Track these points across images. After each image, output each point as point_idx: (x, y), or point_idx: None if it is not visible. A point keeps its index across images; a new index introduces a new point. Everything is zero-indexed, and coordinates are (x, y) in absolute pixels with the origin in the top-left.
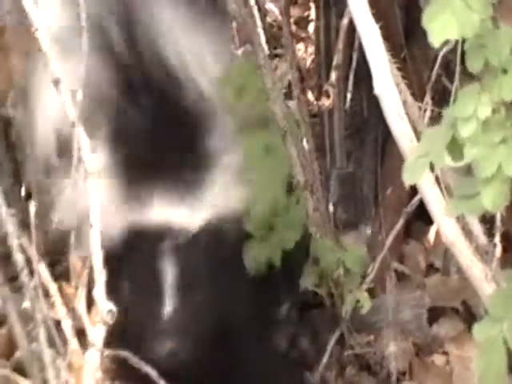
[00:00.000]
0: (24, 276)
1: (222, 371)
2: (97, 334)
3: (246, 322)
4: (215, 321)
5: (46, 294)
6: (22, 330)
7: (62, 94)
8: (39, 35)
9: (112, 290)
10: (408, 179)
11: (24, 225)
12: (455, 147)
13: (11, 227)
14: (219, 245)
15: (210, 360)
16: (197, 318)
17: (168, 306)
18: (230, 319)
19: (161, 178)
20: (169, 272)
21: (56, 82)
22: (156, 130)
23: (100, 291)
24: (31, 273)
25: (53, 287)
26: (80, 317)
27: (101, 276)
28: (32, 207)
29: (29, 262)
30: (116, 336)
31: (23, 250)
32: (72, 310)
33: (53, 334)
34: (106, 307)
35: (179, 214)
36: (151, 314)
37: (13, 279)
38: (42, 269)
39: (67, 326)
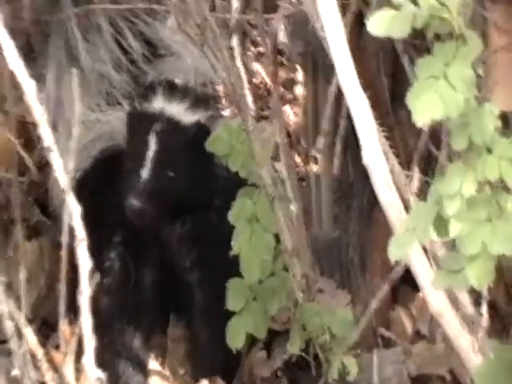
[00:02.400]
0: (13, 343)
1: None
2: None
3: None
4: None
5: (35, 360)
6: None
7: (54, 162)
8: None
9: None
10: (395, 254)
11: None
12: (441, 223)
13: (1, 294)
14: (202, 142)
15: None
16: (165, 186)
17: (146, 172)
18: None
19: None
20: (153, 149)
21: (48, 150)
22: None
23: (89, 359)
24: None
25: (40, 352)
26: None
27: (90, 343)
28: (22, 273)
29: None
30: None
31: (12, 317)
32: (61, 377)
33: None
34: (95, 375)
35: (178, 107)
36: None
37: (2, 342)
38: (30, 335)
39: None
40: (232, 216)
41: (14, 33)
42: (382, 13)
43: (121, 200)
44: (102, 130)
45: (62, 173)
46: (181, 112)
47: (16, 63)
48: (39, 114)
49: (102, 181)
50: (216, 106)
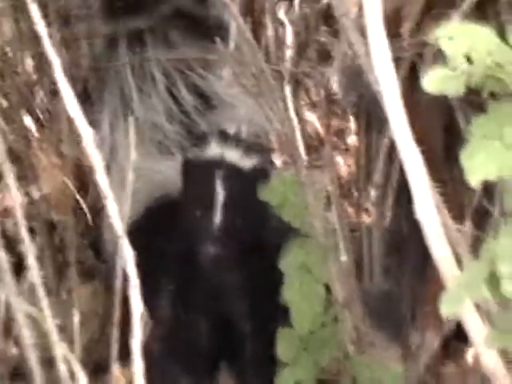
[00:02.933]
0: None
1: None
2: None
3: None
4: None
5: None
6: None
7: (109, 208)
8: (89, 149)
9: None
10: (446, 309)
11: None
12: (494, 282)
13: (55, 336)
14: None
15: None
16: (237, 231)
17: (218, 218)
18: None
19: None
20: (220, 194)
21: (104, 197)
22: None
23: None
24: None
25: None
26: None
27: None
28: (76, 316)
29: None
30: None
31: (66, 361)
32: None
33: None
34: None
35: (234, 153)
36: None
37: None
38: (82, 379)
39: None
40: (283, 265)
41: (72, 79)
42: (436, 71)
43: (175, 249)
44: (153, 177)
45: (117, 218)
46: (238, 158)
47: (74, 109)
48: (96, 161)
49: (154, 230)
50: (268, 155)
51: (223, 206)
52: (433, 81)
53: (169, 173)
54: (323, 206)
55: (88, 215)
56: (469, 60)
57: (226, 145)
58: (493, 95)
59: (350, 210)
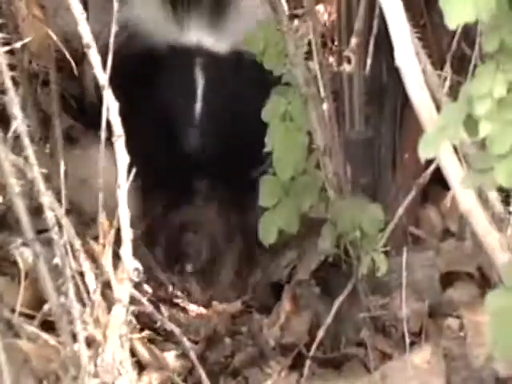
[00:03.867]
0: (54, 233)
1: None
2: (123, 290)
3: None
4: (230, 119)
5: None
6: (52, 285)
7: (92, 59)
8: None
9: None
10: (425, 153)
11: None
12: (471, 123)
13: (42, 186)
14: (240, 69)
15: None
16: (217, 115)
17: (198, 105)
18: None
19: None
20: (199, 81)
21: (87, 47)
22: None
23: (127, 250)
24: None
25: (77, 242)
26: (107, 274)
27: (127, 235)
28: (62, 165)
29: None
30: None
31: (52, 208)
32: (99, 267)
33: (81, 290)
34: (132, 266)
35: (210, 39)
36: (188, 109)
37: (41, 232)
38: (68, 226)
39: (91, 280)
40: (266, 114)
41: None
42: None
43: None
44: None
45: (100, 69)
46: (215, 43)
47: None
48: (79, 13)
49: (139, 76)
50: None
51: (203, 94)
52: None
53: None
54: (304, 54)
55: (73, 66)
56: None
57: (202, 29)
58: None
59: (331, 58)
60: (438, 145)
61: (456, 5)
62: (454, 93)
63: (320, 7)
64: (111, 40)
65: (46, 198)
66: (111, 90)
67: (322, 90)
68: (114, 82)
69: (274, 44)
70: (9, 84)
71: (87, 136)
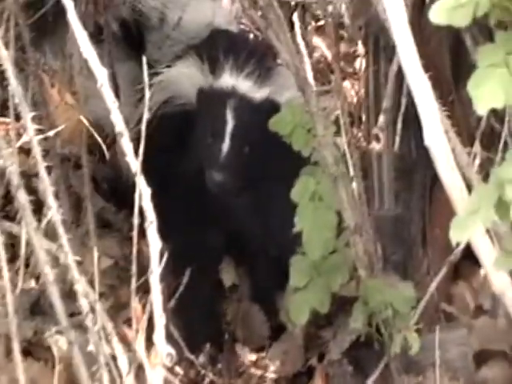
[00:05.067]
0: (88, 321)
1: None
2: (156, 375)
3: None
4: (254, 169)
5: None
6: (86, 372)
7: (124, 147)
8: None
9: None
10: (456, 236)
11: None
12: (502, 207)
13: (75, 273)
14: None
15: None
16: (244, 158)
17: (225, 146)
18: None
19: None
20: (230, 123)
21: (119, 135)
22: None
23: (160, 335)
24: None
25: (110, 327)
26: (140, 359)
27: (160, 321)
28: (95, 250)
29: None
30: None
31: (87, 295)
32: (133, 352)
33: (114, 375)
34: (165, 350)
35: (245, 84)
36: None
37: (75, 314)
38: (101, 311)
39: (124, 364)
40: (295, 194)
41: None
42: (443, 2)
43: (192, 165)
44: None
45: (132, 156)
46: (250, 88)
47: (88, 49)
48: (111, 102)
49: (166, 139)
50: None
51: (232, 136)
52: (440, 12)
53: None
54: (333, 132)
55: (104, 151)
56: None
57: (239, 72)
58: (500, 24)
59: (360, 136)
60: (470, 229)
61: (484, 90)
62: (484, 169)
63: (347, 84)
64: (143, 127)
65: (80, 286)
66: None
67: (351, 168)
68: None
69: (303, 125)
70: (43, 174)
71: (118, 218)
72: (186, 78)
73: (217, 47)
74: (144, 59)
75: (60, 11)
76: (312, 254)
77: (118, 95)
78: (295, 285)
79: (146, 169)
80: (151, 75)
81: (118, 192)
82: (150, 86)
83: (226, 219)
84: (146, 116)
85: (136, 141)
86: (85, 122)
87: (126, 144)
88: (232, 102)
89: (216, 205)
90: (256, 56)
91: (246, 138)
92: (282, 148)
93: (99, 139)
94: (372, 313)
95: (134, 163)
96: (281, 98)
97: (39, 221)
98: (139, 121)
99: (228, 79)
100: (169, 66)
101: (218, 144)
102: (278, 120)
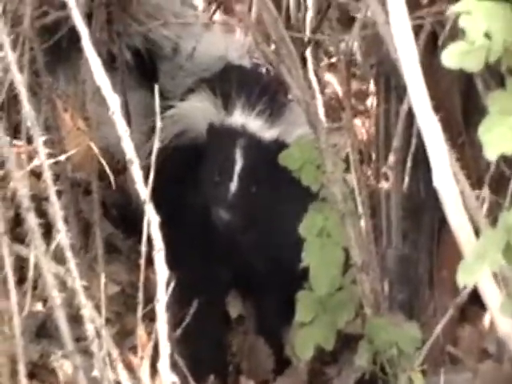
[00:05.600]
0: (94, 346)
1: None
2: None
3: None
4: (261, 208)
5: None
6: None
7: (134, 174)
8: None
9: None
10: (464, 280)
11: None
12: (510, 251)
13: (82, 298)
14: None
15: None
16: (251, 197)
17: (234, 186)
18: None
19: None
20: (239, 162)
21: (129, 162)
22: None
23: (164, 363)
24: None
25: (115, 353)
26: None
27: (165, 349)
28: (102, 276)
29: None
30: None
31: (93, 320)
32: (138, 380)
33: None
34: (169, 379)
35: (256, 123)
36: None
37: (79, 339)
38: (107, 337)
39: None
40: (302, 230)
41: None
42: (455, 46)
43: (200, 199)
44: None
45: (142, 184)
46: (260, 128)
47: (101, 76)
48: (122, 127)
49: (176, 173)
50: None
51: (240, 175)
52: (452, 56)
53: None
54: (342, 170)
55: (111, 177)
56: (487, 35)
57: (249, 113)
58: (511, 70)
59: (369, 174)
60: (477, 272)
61: (495, 136)
62: (492, 213)
63: (358, 121)
64: (153, 156)
65: (86, 311)
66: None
67: (359, 206)
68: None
69: (311, 161)
70: (54, 198)
71: (126, 244)
72: (199, 112)
73: (230, 83)
74: (156, 88)
75: (74, 37)
76: (318, 290)
77: (129, 123)
78: (301, 320)
79: (156, 199)
80: (163, 105)
81: (127, 219)
82: (163, 117)
83: (233, 254)
84: (156, 145)
85: (146, 169)
86: (95, 148)
87: (136, 171)
88: (241, 141)
89: (223, 240)
90: (268, 93)
91: (253, 177)
92: (288, 187)
93: (108, 166)
94: (377, 351)
95: (144, 191)
96: (290, 138)
97: (48, 244)
98: (150, 151)
99: (238, 117)
100: (182, 99)
101: (225, 182)
102: (287, 155)
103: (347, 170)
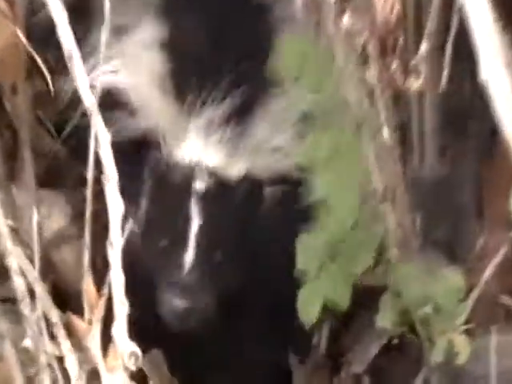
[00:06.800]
0: (25, 306)
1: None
2: (116, 382)
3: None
4: (230, 288)
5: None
6: (21, 375)
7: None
8: None
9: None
10: None
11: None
12: None
13: (9, 243)
14: (255, 203)
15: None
16: (216, 269)
17: (188, 259)
18: (246, 291)
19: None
20: (195, 223)
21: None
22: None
23: (121, 328)
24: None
25: (55, 315)
26: (94, 359)
27: (122, 308)
28: (34, 213)
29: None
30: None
31: (23, 273)
32: (84, 351)
33: (58, 379)
34: (127, 349)
35: (215, 157)
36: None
37: (8, 300)
38: (44, 294)
39: (73, 367)
40: (303, 156)
41: None
42: None
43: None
44: None
45: (87, 87)
46: (223, 162)
47: None
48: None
49: None
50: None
51: (198, 239)
52: None
53: None
54: (358, 64)
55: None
56: None
57: (207, 142)
58: None
59: (394, 68)
60: None
61: None
62: None
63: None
64: None
65: (14, 260)
66: None
67: (381, 112)
68: None
69: (313, 60)
70: None
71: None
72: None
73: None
74: None
75: None
76: (330, 227)
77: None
78: (303, 273)
79: None
80: None
81: (70, 137)
82: None
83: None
84: None
85: None
86: (22, 37)
87: (77, 68)
88: (198, 185)
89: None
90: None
91: (217, 240)
92: (271, 247)
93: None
94: (406, 309)
95: (89, 97)
96: (267, 170)
97: None
98: None
99: (193, 148)
100: None
101: (177, 250)
102: (281, 54)
103: (364, 64)
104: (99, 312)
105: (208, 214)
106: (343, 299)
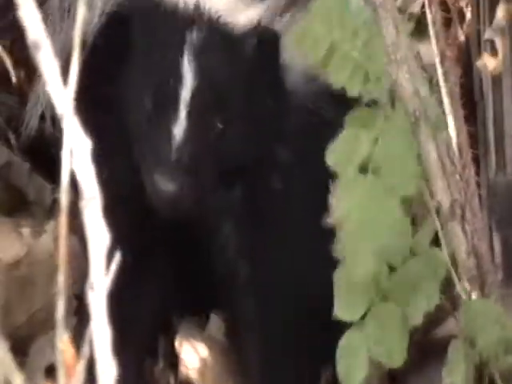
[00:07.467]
0: None
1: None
2: None
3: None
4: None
5: None
6: None
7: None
8: None
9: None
10: None
11: None
12: None
13: None
14: (267, 60)
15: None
16: (209, 154)
17: (179, 130)
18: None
19: None
20: (188, 82)
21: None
22: None
23: None
24: None
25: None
26: None
27: (108, 373)
28: None
29: None
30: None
31: None
32: None
33: None
34: None
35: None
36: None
37: None
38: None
39: None
40: (332, 159)
41: None
42: None
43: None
44: None
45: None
46: (229, 7)
47: None
48: None
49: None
50: None
51: (191, 104)
52: None
53: None
54: (411, 38)
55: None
56: None
57: None
58: None
59: (461, 42)
60: None
61: None
62: None
63: None
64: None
65: None
66: None
67: (445, 102)
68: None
69: (350, 36)
70: None
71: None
72: None
73: None
74: None
75: None
76: (368, 264)
77: None
78: (344, 318)
79: None
80: None
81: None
82: None
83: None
84: None
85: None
86: None
87: (45, 61)
88: (194, 35)
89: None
90: None
91: (217, 104)
92: (285, 117)
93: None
94: (482, 360)
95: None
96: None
97: None
98: None
99: None
100: None
101: (166, 117)
102: (299, 36)
103: (421, 38)
104: (78, 376)
105: (205, 72)
106: (398, 353)
